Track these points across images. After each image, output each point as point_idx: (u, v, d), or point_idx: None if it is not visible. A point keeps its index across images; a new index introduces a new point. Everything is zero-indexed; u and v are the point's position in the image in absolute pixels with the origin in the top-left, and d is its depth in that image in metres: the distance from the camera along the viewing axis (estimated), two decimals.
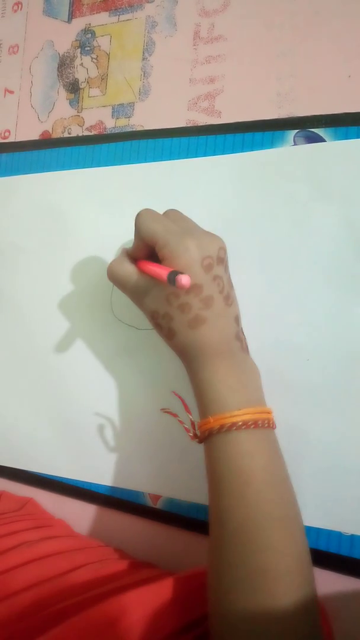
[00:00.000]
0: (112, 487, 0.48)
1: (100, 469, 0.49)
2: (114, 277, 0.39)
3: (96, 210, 0.50)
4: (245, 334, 0.41)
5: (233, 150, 0.45)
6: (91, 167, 0.51)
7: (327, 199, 0.41)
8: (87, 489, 0.50)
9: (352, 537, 0.39)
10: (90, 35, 0.53)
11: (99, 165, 0.51)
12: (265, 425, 0.35)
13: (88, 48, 0.53)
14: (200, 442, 0.37)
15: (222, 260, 0.37)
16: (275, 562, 0.31)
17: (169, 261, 0.35)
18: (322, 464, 0.40)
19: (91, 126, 0.53)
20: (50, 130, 0.55)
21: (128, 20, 0.51)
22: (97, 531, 0.49)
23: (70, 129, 0.54)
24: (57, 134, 0.54)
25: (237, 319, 0.38)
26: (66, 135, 0.54)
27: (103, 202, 0.50)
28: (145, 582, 0.35)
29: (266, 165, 0.43)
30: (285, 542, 0.32)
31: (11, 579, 0.36)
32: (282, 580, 0.31)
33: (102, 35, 0.53)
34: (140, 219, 0.37)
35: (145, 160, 0.48)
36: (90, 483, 0.49)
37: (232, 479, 0.34)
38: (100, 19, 0.53)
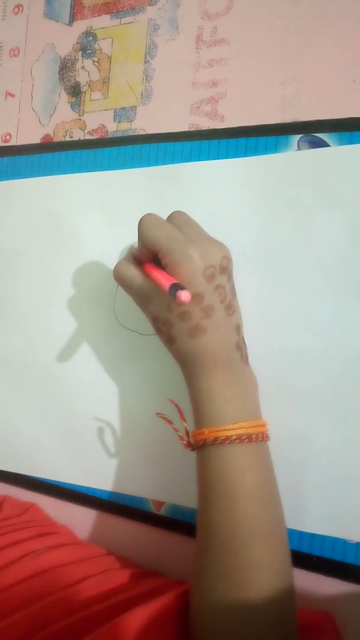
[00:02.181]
0: (115, 493, 0.48)
1: (103, 475, 0.49)
2: (119, 278, 0.39)
3: (98, 214, 0.50)
4: (249, 340, 0.41)
5: (236, 154, 0.44)
6: (93, 171, 0.51)
7: (331, 204, 0.41)
8: (90, 495, 0.49)
9: (358, 544, 0.39)
10: (91, 38, 0.53)
11: (100, 169, 0.51)
12: (259, 439, 0.35)
13: (89, 51, 0.53)
14: (193, 450, 0.37)
15: (225, 269, 0.36)
16: (258, 577, 0.32)
17: (171, 269, 0.35)
18: (327, 471, 0.40)
19: (93, 130, 0.52)
20: (52, 134, 0.55)
21: (130, 23, 0.51)
22: (100, 537, 0.49)
23: (71, 132, 0.53)
24: (59, 137, 0.54)
25: (238, 329, 0.37)
26: (68, 139, 0.54)
27: (104, 207, 0.50)
28: (149, 596, 0.36)
29: (270, 170, 0.43)
30: (270, 559, 0.33)
31: (14, 596, 0.36)
32: (264, 594, 0.31)
33: (103, 38, 0.52)
34: (143, 225, 0.37)
35: (148, 164, 0.48)
36: (93, 489, 0.49)
37: (221, 493, 0.34)
38: (101, 22, 0.53)
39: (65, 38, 0.55)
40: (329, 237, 0.41)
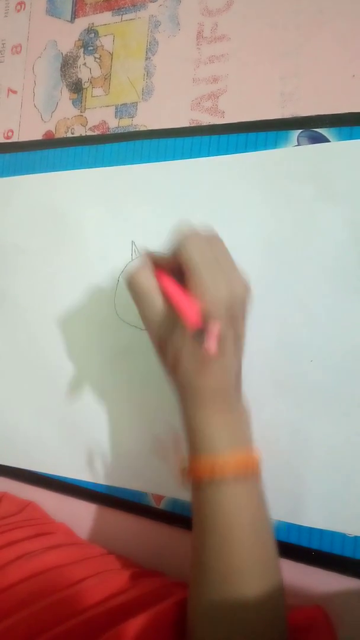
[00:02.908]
0: (115, 487, 0.48)
1: (102, 469, 0.49)
2: (132, 287, 0.37)
3: (99, 210, 0.50)
4: (248, 334, 0.41)
5: (236, 150, 0.45)
6: (94, 167, 0.51)
7: (331, 199, 0.41)
8: (89, 489, 0.50)
9: (356, 538, 0.39)
10: (93, 34, 0.53)
11: (102, 165, 0.51)
12: (253, 470, 0.35)
13: (91, 48, 0.53)
14: (188, 481, 0.36)
15: (244, 308, 0.36)
16: (252, 612, 0.32)
17: (196, 291, 0.34)
18: (325, 465, 0.40)
19: (94, 126, 0.53)
20: (54, 130, 0.55)
21: (131, 19, 0.51)
22: (100, 531, 0.49)
23: (73, 128, 0.54)
24: (60, 133, 0.54)
25: (240, 364, 0.37)
26: (69, 135, 0.54)
27: (106, 202, 0.50)
28: (148, 599, 0.36)
29: (270, 166, 0.43)
30: (264, 595, 0.33)
31: (10, 598, 0.36)
32: (257, 629, 0.32)
33: (105, 35, 0.53)
34: (185, 240, 0.35)
35: (149, 160, 0.48)
36: (93, 483, 0.49)
37: (217, 532, 0.34)
38: (103, 19, 0.53)
39: (67, 35, 0.55)
40: (328, 232, 0.41)
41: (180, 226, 0.36)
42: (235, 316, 0.35)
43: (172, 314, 0.35)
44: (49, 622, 0.34)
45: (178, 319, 0.35)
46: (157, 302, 0.36)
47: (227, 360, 0.35)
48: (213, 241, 0.37)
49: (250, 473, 0.35)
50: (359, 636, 0.38)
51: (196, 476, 0.35)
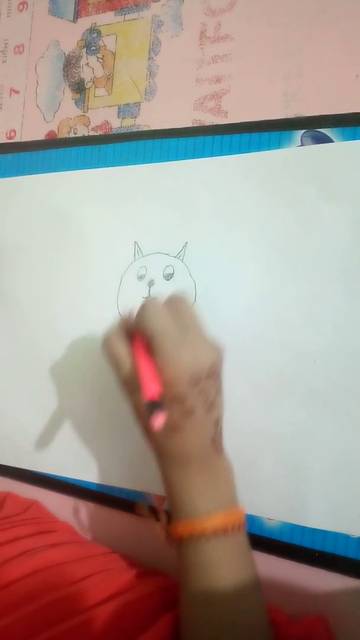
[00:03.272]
0: (117, 488, 0.48)
1: (105, 469, 0.49)
2: (108, 352, 0.38)
3: (101, 210, 0.50)
4: (251, 335, 0.41)
5: (240, 150, 0.44)
6: (97, 167, 0.51)
7: (335, 200, 0.41)
8: (92, 489, 0.50)
9: (359, 539, 0.39)
10: (96, 34, 0.53)
11: (104, 165, 0.51)
12: (235, 529, 0.35)
13: (94, 48, 0.53)
14: (171, 546, 0.37)
15: (212, 374, 0.36)
16: None
17: (159, 366, 0.35)
18: (329, 466, 0.40)
19: (97, 126, 0.53)
20: (56, 130, 0.55)
21: (134, 19, 0.51)
22: (102, 531, 0.49)
23: (76, 129, 0.54)
24: (63, 134, 0.54)
25: (217, 422, 0.37)
26: (72, 135, 0.54)
27: (108, 203, 0.50)
28: (151, 598, 0.36)
29: (273, 166, 0.43)
30: None
31: (11, 595, 0.36)
32: None
33: (107, 35, 0.53)
34: (144, 312, 0.36)
35: (152, 160, 0.48)
36: (96, 483, 0.49)
37: (201, 589, 0.34)
38: (106, 19, 0.53)
39: (70, 35, 0.55)
40: (332, 233, 0.41)
41: (145, 299, 0.37)
42: (202, 384, 0.35)
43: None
44: (51, 620, 0.34)
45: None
46: (127, 367, 0.36)
47: (198, 425, 0.35)
48: (179, 309, 0.37)
49: (232, 529, 0.35)
50: None
51: (177, 536, 0.35)
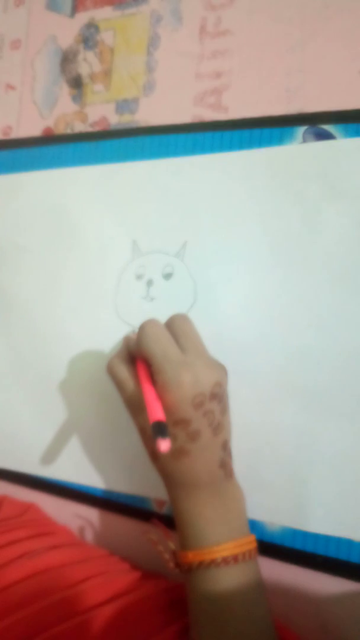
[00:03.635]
0: (117, 492, 0.47)
1: (104, 474, 0.48)
2: (112, 375, 0.38)
3: (99, 207, 0.49)
4: (253, 335, 0.40)
5: (240, 147, 0.44)
6: (94, 164, 0.50)
7: (337, 197, 0.40)
8: (91, 494, 0.49)
9: None
10: (93, 29, 0.52)
11: (102, 162, 0.50)
12: (246, 558, 0.34)
13: (91, 43, 0.52)
14: (181, 572, 0.36)
15: (215, 395, 0.35)
16: None
17: (160, 390, 0.34)
18: (331, 470, 0.39)
19: (95, 122, 0.52)
20: (53, 127, 0.54)
21: (132, 14, 0.50)
22: (101, 536, 0.48)
23: (73, 125, 0.53)
24: (60, 130, 0.53)
25: (224, 445, 0.36)
26: (69, 131, 0.53)
27: (106, 200, 0.49)
28: (150, 601, 0.36)
29: (275, 163, 0.42)
30: None
31: (10, 597, 0.35)
32: None
33: (105, 30, 0.52)
34: (142, 334, 0.36)
35: (150, 157, 0.47)
36: (95, 488, 0.48)
37: (210, 617, 0.34)
38: (103, 13, 0.52)
39: (67, 30, 0.54)
40: (335, 232, 0.40)
41: (145, 321, 0.37)
42: (206, 406, 0.34)
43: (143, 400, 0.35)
44: (50, 621, 0.33)
45: None
46: (130, 389, 0.36)
47: (205, 449, 0.35)
48: (181, 328, 0.37)
49: (242, 557, 0.34)
50: None
51: (186, 564, 0.35)
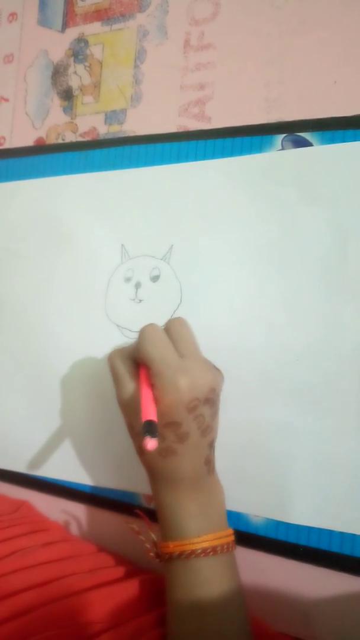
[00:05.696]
0: (106, 488, 0.49)
1: (94, 471, 0.49)
2: (112, 369, 0.39)
3: (90, 214, 0.51)
4: (235, 334, 0.42)
5: (223, 154, 0.46)
6: (85, 172, 0.52)
7: (315, 202, 0.42)
8: (81, 491, 0.50)
9: (342, 534, 0.39)
10: (83, 44, 0.55)
11: (92, 170, 0.52)
12: (224, 550, 0.35)
13: (81, 56, 0.55)
14: (160, 562, 0.37)
15: (209, 400, 0.36)
16: None
17: (157, 392, 0.35)
18: (312, 463, 0.41)
19: (84, 132, 0.54)
20: (45, 137, 0.56)
21: (120, 29, 0.52)
22: (92, 532, 0.50)
23: (64, 135, 0.55)
24: (52, 140, 0.55)
25: (210, 445, 0.38)
26: (60, 141, 0.55)
27: (96, 207, 0.51)
28: (145, 600, 0.37)
29: (255, 170, 0.44)
30: None
31: (3, 588, 0.36)
32: None
33: (95, 44, 0.54)
34: (142, 339, 0.37)
35: (137, 165, 0.49)
36: (85, 485, 0.50)
37: (188, 607, 0.35)
38: (93, 29, 0.54)
39: (58, 44, 0.56)
40: (313, 234, 0.42)
41: (144, 325, 0.38)
42: (199, 410, 0.36)
43: (140, 401, 0.36)
44: (34, 605, 0.34)
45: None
46: (128, 386, 0.37)
47: (192, 449, 0.36)
48: (179, 333, 0.38)
49: (221, 549, 0.35)
50: (343, 633, 0.38)
51: (166, 553, 0.36)
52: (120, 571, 0.41)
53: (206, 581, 0.35)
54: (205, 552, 0.35)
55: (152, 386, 0.36)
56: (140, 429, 0.34)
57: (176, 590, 0.35)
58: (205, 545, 0.35)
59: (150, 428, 0.33)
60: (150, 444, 0.32)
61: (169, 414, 0.35)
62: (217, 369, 0.38)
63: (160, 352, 0.36)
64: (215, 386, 0.37)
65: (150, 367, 0.36)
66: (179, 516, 0.36)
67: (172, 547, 0.35)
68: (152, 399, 0.35)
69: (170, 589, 0.36)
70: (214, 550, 0.35)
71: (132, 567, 0.44)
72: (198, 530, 0.36)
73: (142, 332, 0.38)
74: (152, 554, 0.38)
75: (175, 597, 0.35)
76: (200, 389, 0.35)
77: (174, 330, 0.39)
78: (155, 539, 0.38)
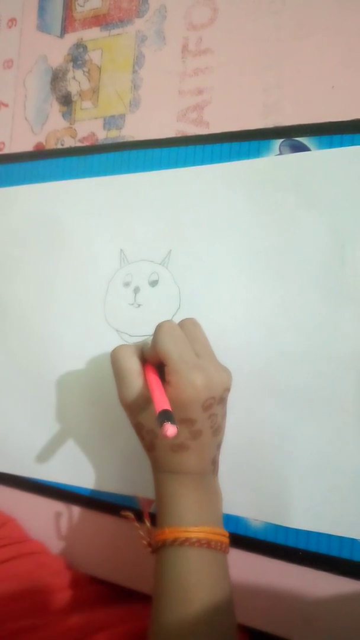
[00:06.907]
0: (104, 492, 0.49)
1: (92, 474, 0.49)
2: (114, 363, 0.38)
3: (89, 218, 0.51)
4: (234, 339, 0.42)
5: (221, 159, 0.46)
6: (83, 177, 0.52)
7: (313, 206, 0.42)
8: (79, 494, 0.50)
9: (341, 538, 0.39)
10: (82, 49, 0.55)
11: (91, 175, 0.52)
12: (218, 547, 0.36)
13: (80, 62, 0.55)
14: (153, 552, 0.37)
15: (223, 399, 0.37)
16: None
17: (174, 389, 0.35)
18: (312, 468, 0.41)
19: (83, 137, 0.54)
20: (44, 142, 0.56)
21: (118, 34, 0.53)
22: (88, 535, 0.50)
23: (63, 140, 0.55)
24: (51, 145, 0.56)
25: (219, 446, 0.39)
26: (59, 146, 0.55)
27: (95, 212, 0.51)
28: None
29: (253, 174, 0.44)
30: None
31: None
32: None
33: (93, 50, 0.54)
34: (160, 334, 0.37)
35: (136, 170, 0.49)
36: (82, 488, 0.50)
37: (176, 595, 0.34)
38: (91, 34, 0.54)
39: (57, 50, 0.56)
40: (311, 239, 0.42)
41: (162, 322, 0.38)
42: (213, 409, 0.36)
43: (149, 398, 0.36)
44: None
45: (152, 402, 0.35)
46: (135, 382, 0.37)
47: (203, 447, 0.37)
48: (193, 333, 0.39)
49: (215, 545, 0.35)
50: (342, 636, 0.39)
51: (160, 540, 0.36)
52: (97, 589, 0.41)
53: (197, 571, 0.35)
54: (199, 542, 0.35)
55: (166, 383, 0.36)
56: (150, 424, 0.34)
57: (165, 576, 0.35)
58: (200, 535, 0.35)
59: (167, 416, 0.32)
60: (171, 430, 0.32)
61: (185, 411, 0.35)
62: (228, 370, 0.38)
63: (178, 349, 0.36)
64: (229, 386, 0.37)
65: (167, 364, 0.36)
66: (178, 505, 0.36)
67: (168, 532, 0.35)
68: (164, 391, 0.35)
69: (160, 577, 0.36)
70: (208, 543, 0.35)
71: (102, 587, 0.44)
72: (195, 521, 0.36)
73: (161, 328, 0.37)
74: (144, 542, 0.38)
75: (163, 583, 0.35)
76: (216, 388, 0.36)
77: (187, 330, 0.39)
78: (149, 527, 0.38)
